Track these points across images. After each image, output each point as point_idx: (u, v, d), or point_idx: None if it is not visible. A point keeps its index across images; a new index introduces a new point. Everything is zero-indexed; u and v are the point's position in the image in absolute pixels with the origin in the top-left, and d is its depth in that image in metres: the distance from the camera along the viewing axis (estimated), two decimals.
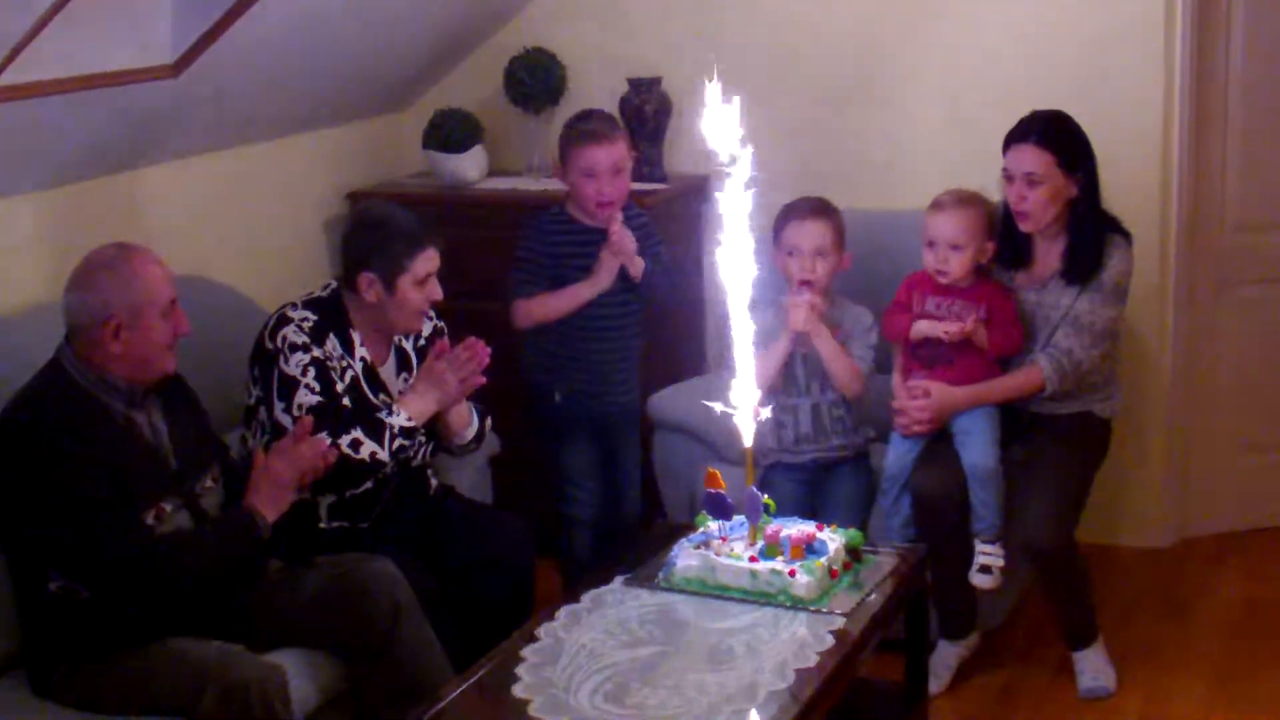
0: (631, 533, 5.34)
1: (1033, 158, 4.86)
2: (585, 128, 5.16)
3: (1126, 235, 4.97)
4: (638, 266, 5.19)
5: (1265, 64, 5.88)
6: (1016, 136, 4.91)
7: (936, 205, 4.97)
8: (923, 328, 4.94)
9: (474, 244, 5.79)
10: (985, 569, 4.88)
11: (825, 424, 5.07)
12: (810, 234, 5.00)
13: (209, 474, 4.24)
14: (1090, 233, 4.91)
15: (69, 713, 3.93)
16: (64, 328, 4.05)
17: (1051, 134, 4.88)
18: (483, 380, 4.68)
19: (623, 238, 5.12)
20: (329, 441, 4.35)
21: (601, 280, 5.16)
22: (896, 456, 5.00)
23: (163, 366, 4.09)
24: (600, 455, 5.39)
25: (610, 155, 5.13)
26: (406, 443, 4.57)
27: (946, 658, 5.11)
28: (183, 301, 4.12)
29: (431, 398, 4.64)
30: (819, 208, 5.06)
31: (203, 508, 4.16)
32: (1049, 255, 4.99)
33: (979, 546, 4.88)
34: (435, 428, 4.76)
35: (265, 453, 4.33)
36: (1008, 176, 4.92)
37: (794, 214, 5.04)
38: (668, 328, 5.52)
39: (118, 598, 3.93)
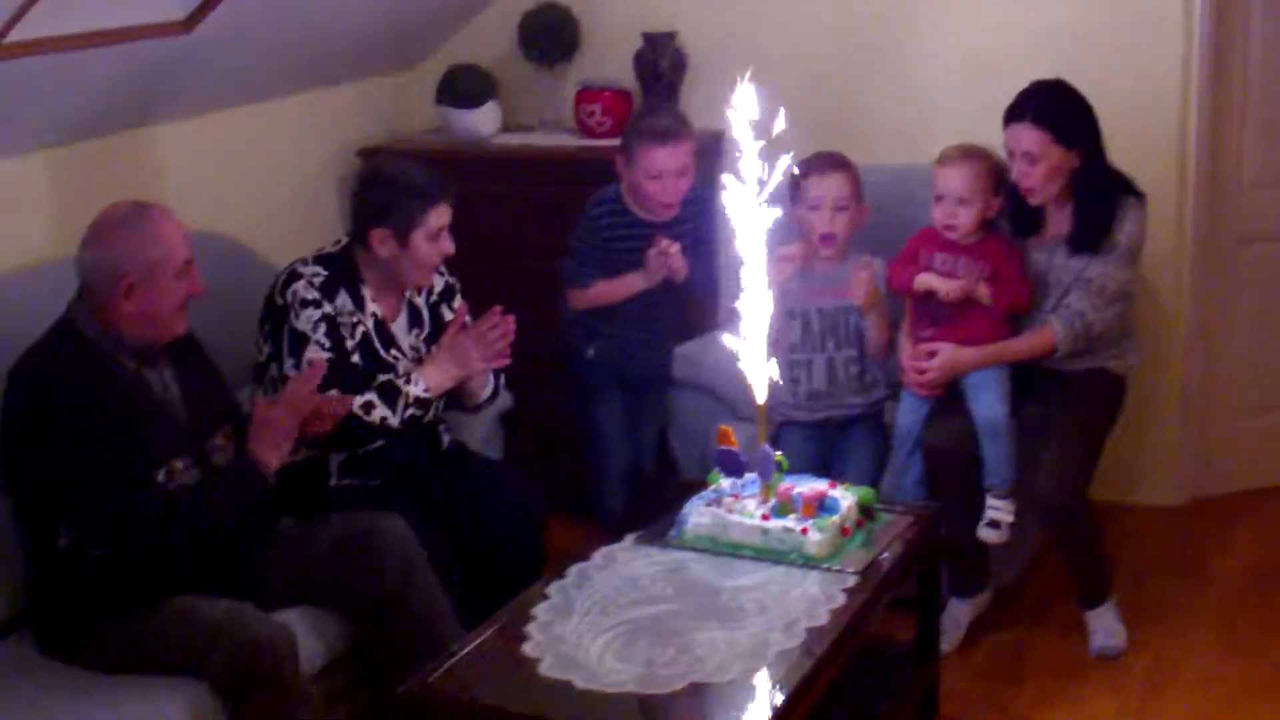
0: (647, 491, 5.34)
1: (1029, 137, 4.83)
2: (655, 125, 5.14)
3: (1139, 195, 4.94)
4: (681, 275, 5.22)
5: None
6: (1012, 115, 4.88)
7: (943, 159, 4.95)
8: (925, 280, 4.93)
9: (488, 200, 5.80)
10: (994, 523, 4.87)
11: (840, 380, 5.07)
12: (832, 186, 5.01)
13: (221, 432, 4.23)
14: (1097, 199, 4.88)
15: (76, 671, 3.93)
16: (76, 284, 4.03)
17: (1047, 110, 4.83)
18: (508, 360, 4.70)
19: (676, 260, 5.16)
20: (335, 394, 4.35)
21: (655, 276, 5.20)
22: (908, 413, 4.99)
23: (173, 327, 4.07)
24: (629, 412, 5.41)
25: (677, 157, 5.13)
26: (420, 413, 4.57)
27: (958, 615, 5.10)
28: (195, 258, 4.10)
29: (450, 371, 4.65)
30: (838, 160, 5.07)
31: (215, 465, 4.15)
32: (1059, 220, 4.96)
33: (989, 501, 4.87)
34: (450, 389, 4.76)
35: (262, 397, 4.34)
36: (1008, 153, 4.90)
37: (815, 167, 5.03)
38: (681, 284, 5.50)
39: (127, 553, 3.93)
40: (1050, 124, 4.81)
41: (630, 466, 5.41)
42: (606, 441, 5.39)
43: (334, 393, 4.36)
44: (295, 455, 4.30)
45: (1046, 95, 4.88)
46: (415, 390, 4.55)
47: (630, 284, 5.24)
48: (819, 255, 5.06)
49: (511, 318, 4.66)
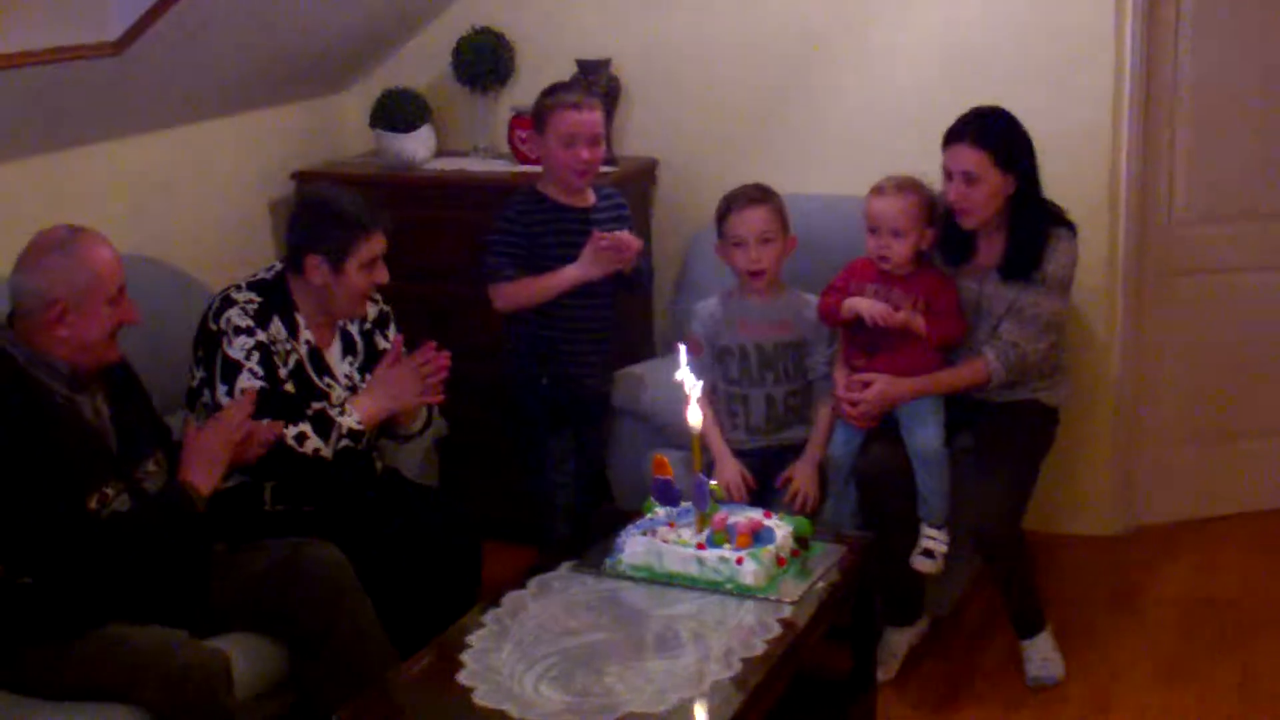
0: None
1: (969, 156, 4.84)
2: (564, 95, 5.12)
3: (1070, 227, 4.96)
4: (630, 262, 5.14)
5: (1215, 55, 5.86)
6: (953, 135, 4.90)
7: (878, 191, 4.94)
8: (853, 304, 4.90)
9: (422, 224, 5.78)
10: (928, 552, 4.87)
11: (779, 414, 5.06)
12: (752, 221, 4.98)
13: (152, 458, 4.19)
14: (1030, 228, 4.90)
15: (8, 698, 3.87)
16: (7, 308, 4.00)
17: (987, 132, 4.86)
18: (442, 398, 4.68)
19: (632, 243, 5.08)
20: (278, 440, 4.34)
21: (592, 271, 5.08)
22: (842, 443, 4.98)
23: (105, 354, 4.04)
24: (577, 436, 5.35)
25: (590, 121, 5.09)
26: (352, 444, 4.54)
27: (894, 645, 5.10)
28: (127, 281, 4.06)
29: (384, 404, 4.63)
30: (757, 195, 5.03)
31: (146, 492, 4.11)
32: (990, 248, 4.97)
33: (923, 530, 4.87)
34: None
35: (194, 421, 4.32)
36: (946, 174, 4.91)
37: (734, 204, 5.02)
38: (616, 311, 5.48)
39: (57, 581, 3.88)
40: (990, 146, 4.82)
41: (578, 497, 5.32)
42: (557, 474, 5.28)
43: (265, 420, 4.32)
44: (229, 481, 4.28)
45: (987, 119, 4.90)
46: (348, 422, 4.52)
47: (562, 279, 5.08)
48: (750, 289, 5.04)
49: (446, 354, 4.64)
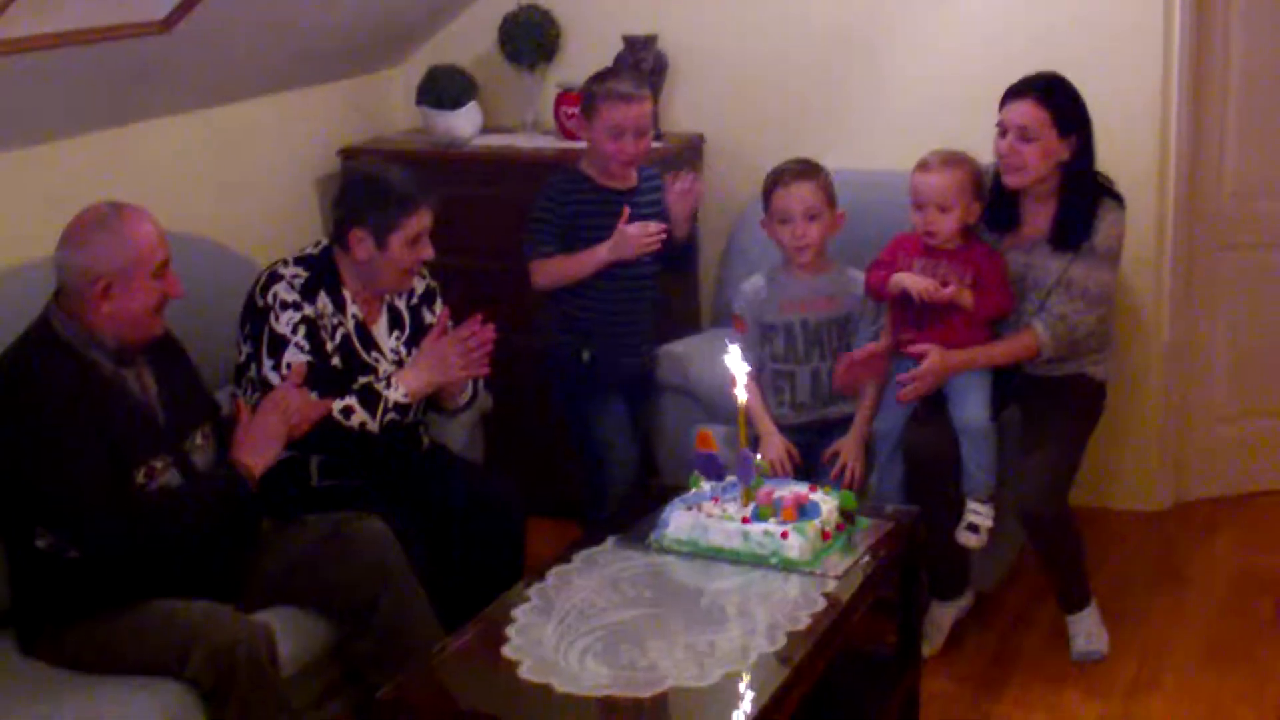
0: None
1: (1029, 112, 4.81)
2: (615, 85, 5.08)
3: (1119, 199, 4.93)
4: (683, 231, 5.19)
5: (1266, 29, 5.84)
6: (1016, 92, 4.87)
7: (923, 166, 4.92)
8: (900, 280, 4.88)
9: (468, 202, 5.77)
10: (973, 527, 4.86)
11: (824, 391, 5.05)
12: (799, 197, 4.96)
13: (200, 431, 4.21)
14: (1081, 199, 4.87)
15: (56, 671, 3.91)
16: (53, 285, 4.02)
17: (1050, 93, 4.83)
18: (487, 370, 4.68)
19: (653, 229, 5.08)
20: (331, 413, 4.36)
21: (621, 253, 5.06)
22: (889, 417, 4.98)
23: (151, 328, 4.06)
24: (629, 414, 5.34)
25: (638, 114, 5.06)
26: (398, 417, 4.55)
27: (939, 619, 5.09)
28: (174, 258, 4.08)
29: (429, 377, 4.63)
30: (804, 169, 5.01)
31: (194, 465, 4.14)
32: (1037, 218, 4.95)
33: (969, 505, 4.86)
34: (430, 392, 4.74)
35: (246, 401, 4.33)
36: (1001, 130, 4.87)
37: (780, 179, 5.00)
38: (660, 285, 5.48)
39: (105, 556, 3.91)
40: (1053, 106, 4.80)
41: (636, 470, 5.29)
42: (612, 450, 5.23)
43: (312, 395, 4.34)
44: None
45: (1051, 80, 4.88)
46: (394, 395, 4.53)
47: (595, 257, 5.08)
48: (796, 265, 5.04)
49: (491, 327, 4.63)
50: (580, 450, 5.33)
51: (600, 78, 5.17)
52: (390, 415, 4.52)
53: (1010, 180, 4.88)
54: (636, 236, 5.04)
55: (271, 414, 4.20)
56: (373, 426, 4.49)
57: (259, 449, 4.16)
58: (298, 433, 4.29)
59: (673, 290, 5.64)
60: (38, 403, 3.85)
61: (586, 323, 5.18)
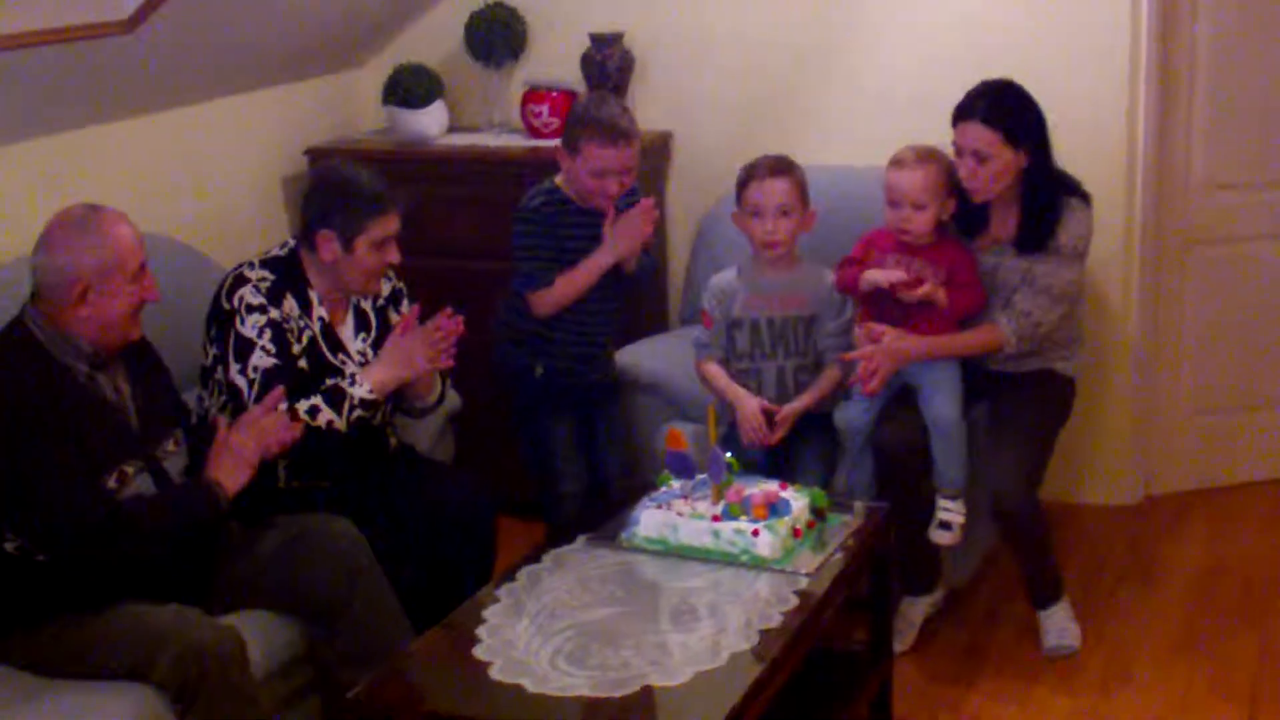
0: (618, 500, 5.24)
1: (979, 135, 4.79)
2: (604, 124, 4.86)
3: (1085, 197, 4.93)
4: (633, 265, 5.08)
5: (1231, 22, 5.85)
6: (963, 113, 4.85)
7: (898, 162, 4.91)
8: (871, 276, 4.87)
9: (434, 201, 5.78)
10: (945, 524, 4.86)
11: (790, 387, 5.02)
12: (772, 192, 4.94)
13: (172, 437, 4.21)
14: (1043, 201, 4.86)
15: (24, 675, 3.88)
16: (22, 287, 4.01)
17: (997, 110, 4.81)
18: (451, 363, 4.65)
19: (647, 206, 5.00)
20: (288, 411, 4.33)
21: (620, 250, 4.97)
22: (858, 413, 4.97)
23: (128, 332, 4.05)
24: (581, 428, 5.27)
25: (624, 156, 4.90)
26: (365, 414, 4.53)
27: (910, 615, 5.10)
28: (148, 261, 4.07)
29: (395, 371, 4.60)
30: (779, 165, 4.99)
31: (165, 470, 4.13)
32: (1004, 221, 4.95)
33: (940, 502, 4.86)
34: (397, 391, 4.72)
35: (224, 419, 4.32)
36: (957, 151, 4.87)
37: (755, 173, 4.97)
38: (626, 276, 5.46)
39: (73, 561, 3.89)
40: (1000, 123, 4.78)
41: (583, 488, 5.22)
42: (560, 462, 5.18)
43: (285, 416, 4.31)
44: None
45: (996, 94, 4.86)
46: (359, 392, 4.51)
47: (593, 265, 4.98)
48: (766, 261, 5.02)
49: (459, 319, 4.61)
50: (530, 462, 5.28)
51: (586, 110, 4.95)
52: (357, 412, 4.50)
53: (976, 199, 4.88)
54: (628, 229, 4.98)
55: (246, 437, 4.19)
56: (340, 425, 4.47)
57: (233, 470, 4.15)
58: (269, 454, 4.27)
59: (639, 292, 5.62)
60: (11, 405, 3.83)
61: (542, 336, 5.09)
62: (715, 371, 5.01)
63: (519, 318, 5.10)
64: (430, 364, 4.62)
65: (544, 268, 4.99)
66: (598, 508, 4.86)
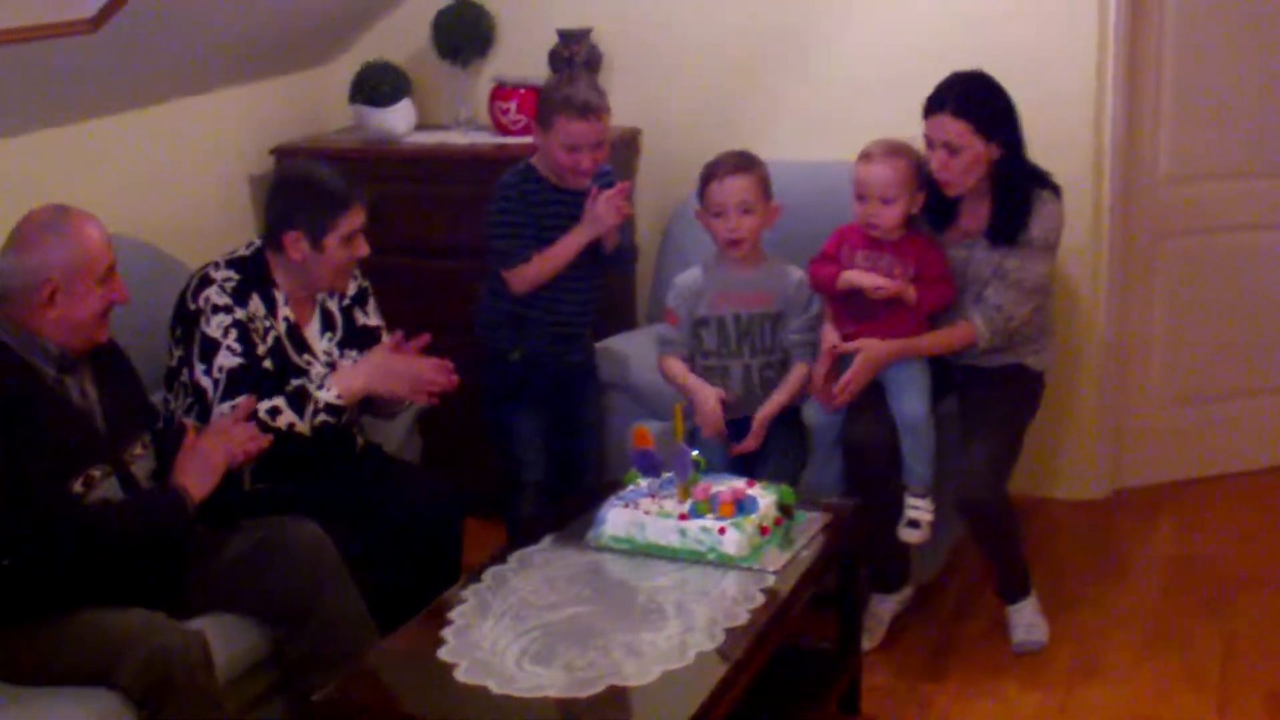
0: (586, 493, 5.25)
1: (950, 127, 4.79)
2: (574, 99, 4.94)
3: (1055, 189, 4.93)
4: (613, 240, 5.11)
5: (1199, 13, 5.86)
6: (934, 105, 4.84)
7: (866, 156, 4.90)
8: (850, 278, 4.87)
9: (403, 198, 5.77)
10: (914, 523, 4.86)
11: (756, 386, 5.00)
12: (733, 190, 4.91)
13: (139, 440, 4.19)
14: (1014, 194, 4.86)
15: None
16: None
17: (968, 101, 4.81)
18: (436, 402, 4.67)
19: (626, 187, 5.06)
20: (257, 414, 4.33)
21: (599, 227, 5.01)
22: (827, 411, 4.96)
23: (96, 335, 4.04)
24: (552, 417, 5.28)
25: (596, 130, 4.96)
26: (331, 419, 4.52)
27: (880, 612, 5.10)
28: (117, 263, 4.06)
29: (372, 385, 4.59)
30: (740, 163, 4.96)
31: (133, 475, 4.11)
32: (975, 213, 4.94)
33: (908, 500, 4.86)
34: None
35: (193, 423, 4.32)
36: (928, 143, 4.87)
37: (716, 172, 4.95)
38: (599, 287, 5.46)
39: (37, 565, 3.86)
40: (971, 115, 4.78)
41: (545, 479, 5.26)
42: (525, 450, 5.21)
43: (253, 427, 4.31)
44: None
45: (967, 86, 4.85)
46: (326, 396, 4.49)
47: (571, 243, 5.02)
48: (730, 259, 5.01)
49: (456, 379, 4.62)
50: (496, 447, 5.29)
51: (556, 86, 5.06)
52: (322, 417, 4.48)
53: (948, 192, 4.88)
54: (607, 206, 4.99)
55: (214, 445, 4.17)
56: (301, 427, 4.46)
57: (199, 477, 4.13)
58: (237, 463, 4.26)
59: (609, 287, 5.61)
60: None
61: (522, 319, 5.12)
62: (676, 367, 5.00)
63: (498, 299, 5.13)
64: (409, 396, 4.62)
65: (521, 244, 5.02)
66: (563, 499, 4.91)
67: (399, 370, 4.60)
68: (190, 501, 4.09)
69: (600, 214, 5.00)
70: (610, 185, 5.10)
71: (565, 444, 5.33)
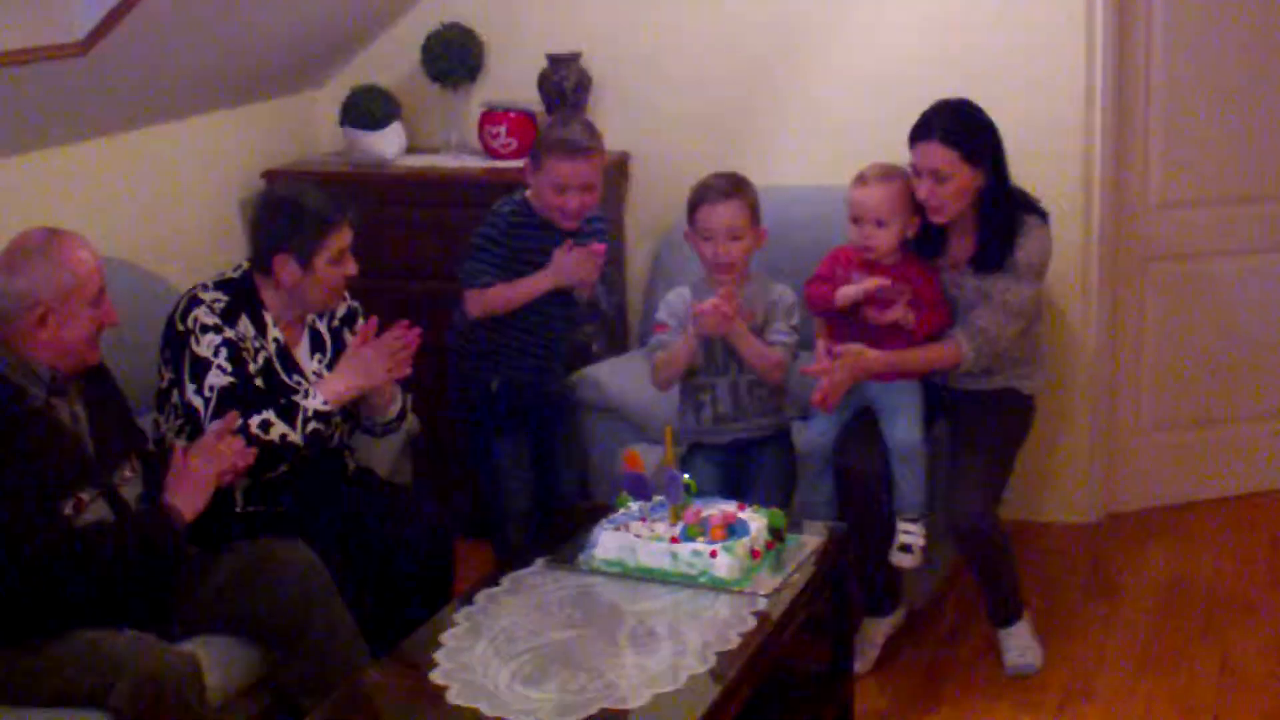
0: (567, 519, 5.24)
1: (938, 155, 4.79)
2: (566, 138, 4.96)
3: (1042, 214, 4.93)
4: (587, 294, 5.09)
5: (1187, 40, 5.87)
6: (920, 133, 4.84)
7: (860, 180, 4.90)
8: (846, 292, 4.84)
9: (393, 222, 5.78)
10: (906, 548, 4.85)
11: (745, 403, 4.97)
12: (722, 216, 4.88)
13: (129, 463, 4.18)
14: (1001, 220, 4.87)
15: None
16: None
17: (954, 129, 4.81)
18: (409, 370, 4.65)
19: (598, 251, 5.03)
20: (242, 429, 4.31)
21: (561, 279, 5.00)
22: (818, 434, 4.96)
23: (87, 357, 4.04)
24: (532, 445, 5.28)
25: (585, 172, 4.95)
26: (321, 427, 4.51)
27: (872, 635, 5.08)
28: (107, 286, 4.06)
29: (353, 381, 4.59)
30: (728, 189, 4.93)
31: (123, 497, 4.10)
32: (962, 242, 4.94)
33: (900, 525, 4.85)
34: (357, 407, 4.73)
35: (181, 443, 4.30)
36: (915, 171, 4.87)
37: (705, 197, 4.92)
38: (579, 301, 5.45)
39: (28, 588, 3.84)
40: (958, 142, 4.78)
41: (533, 502, 5.25)
42: (508, 480, 5.21)
43: (241, 437, 4.30)
44: None
45: (953, 113, 4.86)
46: (313, 404, 4.49)
47: (532, 285, 5.01)
48: (718, 281, 4.99)
49: (417, 331, 4.62)
50: (476, 476, 5.29)
51: (552, 126, 5.09)
52: (313, 425, 4.48)
53: (935, 219, 4.88)
54: (579, 263, 4.99)
55: (203, 463, 4.16)
56: (295, 438, 4.45)
57: (190, 496, 4.12)
58: (225, 480, 4.25)
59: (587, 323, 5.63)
60: None
61: (497, 349, 5.12)
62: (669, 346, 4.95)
63: (474, 328, 5.12)
64: (389, 374, 4.61)
65: (485, 268, 5.02)
66: (547, 525, 4.91)
67: (370, 357, 4.59)
68: (181, 521, 4.08)
69: (567, 267, 4.99)
70: (601, 235, 5.13)
71: (545, 473, 5.31)
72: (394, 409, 4.80)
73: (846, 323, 4.90)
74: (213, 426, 4.31)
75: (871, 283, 4.80)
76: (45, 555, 3.82)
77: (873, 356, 4.82)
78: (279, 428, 4.43)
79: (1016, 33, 5.71)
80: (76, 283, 3.94)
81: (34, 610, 3.88)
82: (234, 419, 4.28)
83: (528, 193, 5.11)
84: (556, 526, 4.70)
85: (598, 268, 5.03)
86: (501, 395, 5.15)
